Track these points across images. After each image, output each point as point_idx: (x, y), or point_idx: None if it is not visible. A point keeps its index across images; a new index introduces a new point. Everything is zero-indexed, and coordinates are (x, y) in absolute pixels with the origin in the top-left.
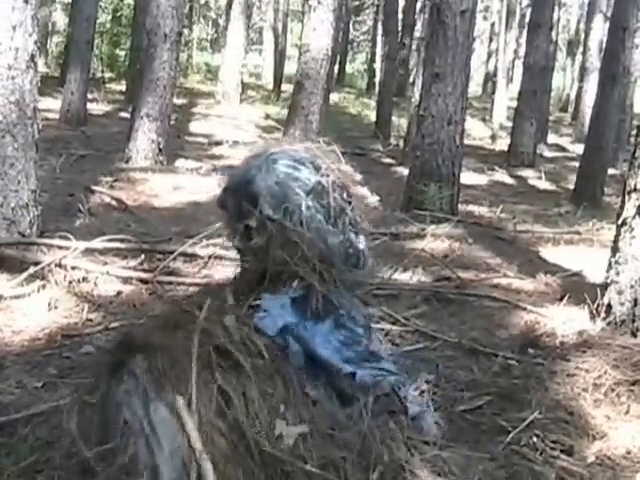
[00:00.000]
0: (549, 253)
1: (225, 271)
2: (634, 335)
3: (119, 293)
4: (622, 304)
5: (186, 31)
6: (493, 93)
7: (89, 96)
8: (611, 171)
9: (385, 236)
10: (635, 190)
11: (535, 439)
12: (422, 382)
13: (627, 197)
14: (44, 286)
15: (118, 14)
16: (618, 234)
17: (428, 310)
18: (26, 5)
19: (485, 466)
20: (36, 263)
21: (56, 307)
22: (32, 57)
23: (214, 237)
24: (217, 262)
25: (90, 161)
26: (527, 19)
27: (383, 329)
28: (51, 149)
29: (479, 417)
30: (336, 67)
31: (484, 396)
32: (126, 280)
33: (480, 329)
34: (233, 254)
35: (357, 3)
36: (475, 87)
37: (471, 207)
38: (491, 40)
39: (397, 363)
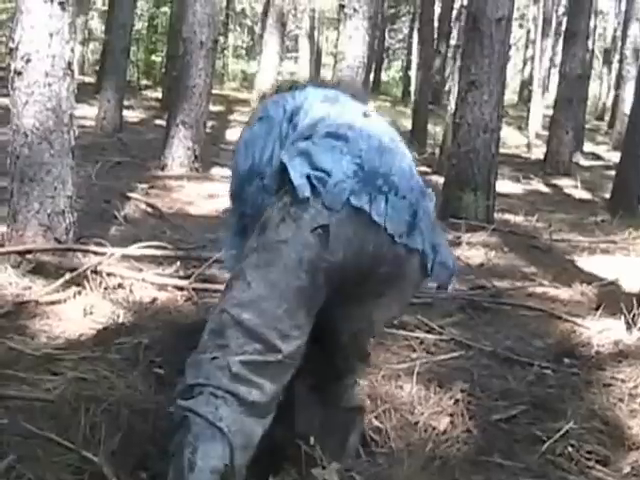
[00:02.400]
0: (585, 262)
1: None
2: None
3: (154, 300)
4: None
5: (222, 39)
6: (529, 101)
7: (125, 103)
8: None
9: None
10: None
11: (570, 449)
12: (457, 391)
13: None
14: (80, 292)
15: (154, 22)
16: None
17: (463, 319)
18: (63, 13)
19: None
20: (72, 269)
21: (92, 313)
22: (69, 64)
23: None
24: None
25: (126, 168)
26: (563, 27)
27: (418, 337)
28: (87, 156)
29: (514, 426)
30: (372, 75)
31: (519, 405)
32: (161, 287)
33: (515, 338)
34: None
35: (393, 11)
36: (511, 95)
37: (507, 216)
38: (527, 48)
39: None
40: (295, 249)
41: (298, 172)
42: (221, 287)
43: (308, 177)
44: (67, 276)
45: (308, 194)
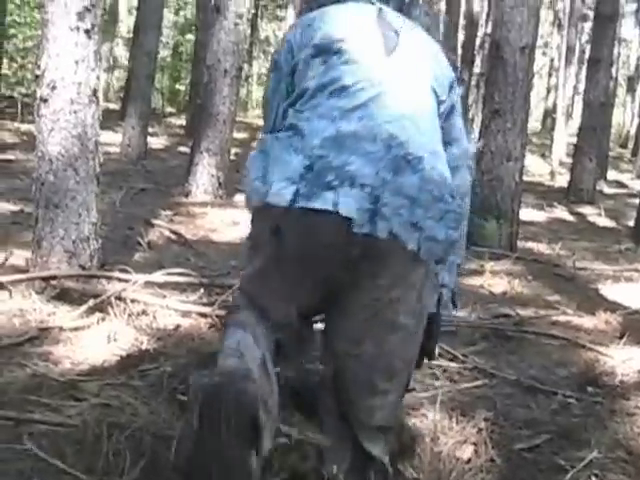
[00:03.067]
0: (609, 290)
1: None
2: None
3: (178, 327)
4: None
5: (246, 66)
6: (552, 129)
7: (149, 130)
8: None
9: None
10: None
11: (594, 479)
12: (480, 419)
13: None
14: (104, 318)
15: (179, 49)
16: None
17: (487, 347)
18: (89, 40)
19: None
20: (96, 296)
21: (115, 340)
22: (94, 91)
23: None
24: None
25: (150, 195)
26: (587, 55)
27: (441, 366)
28: (111, 182)
29: (537, 455)
30: None
31: (542, 434)
32: (185, 314)
33: (539, 367)
34: None
35: None
36: (534, 123)
37: (530, 244)
38: (550, 76)
39: None
40: (262, 249)
41: (252, 176)
42: None
43: (250, 186)
44: (91, 302)
45: (256, 204)
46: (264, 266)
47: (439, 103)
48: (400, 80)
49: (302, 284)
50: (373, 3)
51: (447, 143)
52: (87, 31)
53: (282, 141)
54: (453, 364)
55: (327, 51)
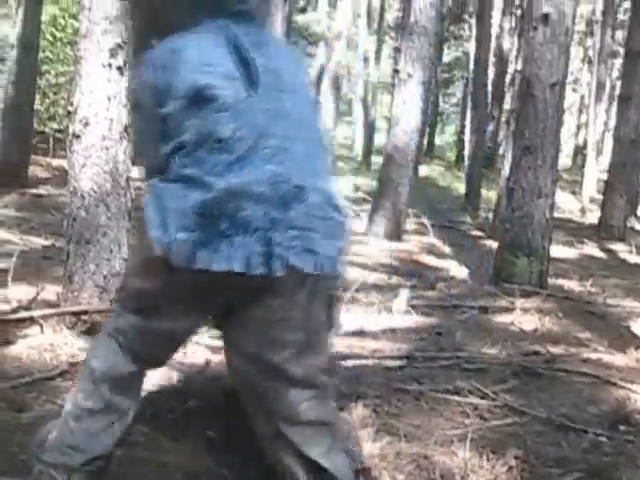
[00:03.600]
0: None
1: None
2: None
3: (208, 362)
4: None
5: None
6: (583, 166)
7: None
8: None
9: (474, 309)
10: None
11: None
12: (511, 458)
13: None
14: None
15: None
16: None
17: (517, 385)
18: (121, 77)
19: None
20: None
21: (145, 376)
22: (125, 128)
23: None
24: None
25: None
26: (617, 92)
27: (471, 403)
28: (142, 218)
29: None
30: (425, 139)
31: (574, 473)
32: (215, 349)
33: (570, 404)
34: None
35: (447, 76)
36: (565, 159)
37: (561, 281)
38: (581, 112)
39: None
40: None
41: (152, 223)
42: None
43: (153, 237)
44: None
45: (158, 253)
46: (155, 289)
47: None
48: (271, 112)
49: (194, 310)
50: (219, 24)
51: None
52: (119, 68)
53: (174, 191)
54: (483, 402)
55: (198, 101)
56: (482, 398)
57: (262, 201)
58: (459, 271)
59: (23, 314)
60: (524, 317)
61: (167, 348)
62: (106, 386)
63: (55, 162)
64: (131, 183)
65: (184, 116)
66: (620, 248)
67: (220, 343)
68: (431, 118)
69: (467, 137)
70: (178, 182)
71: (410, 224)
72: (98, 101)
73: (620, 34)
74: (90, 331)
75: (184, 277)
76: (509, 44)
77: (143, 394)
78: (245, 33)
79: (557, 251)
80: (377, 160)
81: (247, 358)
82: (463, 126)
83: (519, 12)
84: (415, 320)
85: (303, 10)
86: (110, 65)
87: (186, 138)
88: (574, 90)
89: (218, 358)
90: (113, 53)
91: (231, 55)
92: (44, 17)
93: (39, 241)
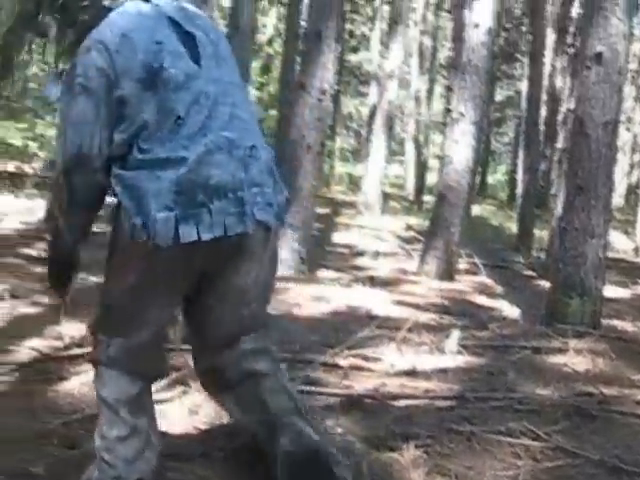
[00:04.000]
0: None
1: (366, 382)
2: None
3: None
4: None
5: (329, 141)
6: (636, 205)
7: None
8: None
9: (526, 350)
10: None
11: None
12: None
13: None
14: (185, 392)
15: (262, 124)
16: None
17: (569, 426)
18: None
19: None
20: (178, 369)
21: (197, 413)
22: None
23: (355, 347)
24: (358, 372)
25: None
26: None
27: (523, 445)
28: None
29: None
30: (477, 178)
31: None
32: None
33: (623, 446)
34: (374, 365)
35: (499, 115)
36: (618, 199)
37: (614, 321)
38: (634, 151)
39: None
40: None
41: (129, 213)
42: (326, 389)
43: (137, 224)
44: (173, 375)
45: (140, 238)
46: (136, 281)
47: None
48: (216, 82)
49: (178, 288)
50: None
51: None
52: None
53: (145, 175)
54: (535, 443)
55: (153, 84)
56: (534, 439)
57: (228, 164)
58: (511, 311)
59: (76, 351)
60: (577, 358)
61: (161, 349)
62: (125, 410)
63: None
64: None
65: (141, 97)
66: None
67: None
68: (483, 157)
69: (519, 176)
70: (146, 167)
71: (462, 263)
72: None
73: None
74: None
75: (165, 255)
76: (562, 83)
77: (193, 432)
78: (178, 8)
79: (610, 291)
80: (429, 199)
81: (221, 319)
82: (515, 165)
83: (572, 51)
84: (467, 360)
85: (355, 49)
86: None
87: (147, 118)
88: (627, 129)
89: None
90: None
91: (175, 33)
92: None
93: (91, 277)
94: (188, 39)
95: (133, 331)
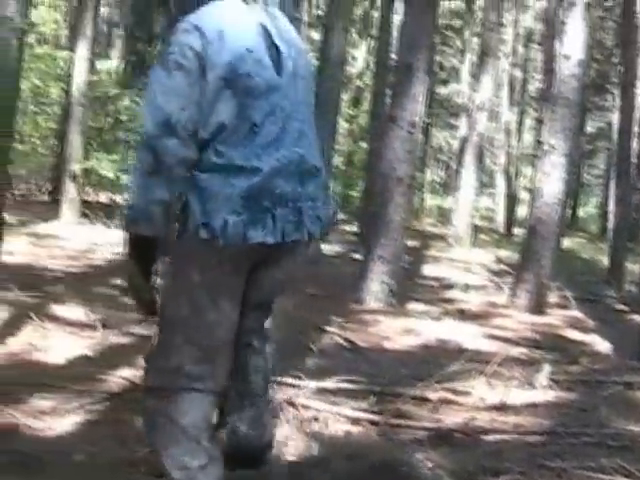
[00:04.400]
0: None
1: (455, 415)
2: None
3: (348, 434)
4: None
5: (419, 174)
6: None
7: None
8: None
9: (618, 385)
10: None
11: None
12: None
13: None
14: (275, 424)
15: (352, 157)
16: None
17: None
18: None
19: None
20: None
21: (286, 445)
22: None
23: (444, 381)
24: (447, 406)
25: (322, 301)
26: None
27: None
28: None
29: None
30: (568, 210)
31: None
32: (355, 421)
33: None
34: (464, 399)
35: (590, 147)
36: None
37: None
38: None
39: None
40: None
41: (195, 214)
42: (416, 423)
43: (205, 224)
44: None
45: (206, 236)
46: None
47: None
48: (291, 98)
49: (239, 287)
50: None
51: None
52: None
53: (218, 180)
54: None
55: (235, 86)
56: (627, 477)
57: (291, 178)
58: (603, 345)
59: None
60: None
61: (229, 350)
62: (205, 437)
63: None
64: None
65: (220, 94)
66: None
67: (361, 414)
68: (574, 189)
69: (611, 208)
70: (220, 171)
71: (552, 297)
72: None
73: None
74: None
75: (230, 254)
76: None
77: (284, 464)
78: (272, 17)
79: None
80: (519, 232)
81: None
82: (606, 197)
83: None
84: (558, 395)
85: (445, 82)
86: None
87: (225, 121)
88: None
89: (358, 430)
90: None
91: (264, 42)
92: None
93: None
94: (274, 51)
95: (199, 333)
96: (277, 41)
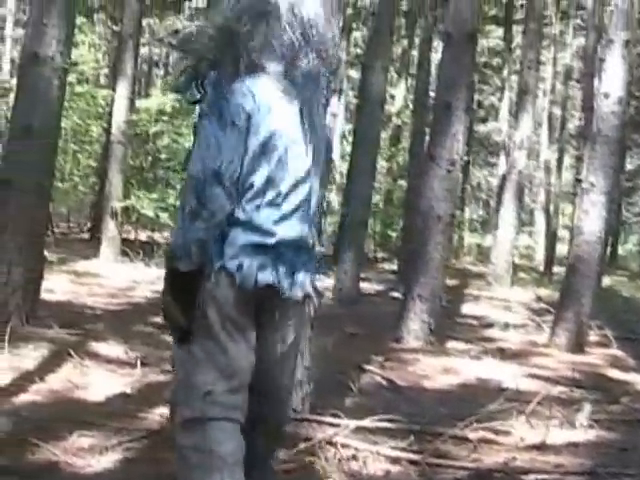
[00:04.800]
0: None
1: (495, 455)
2: None
3: (388, 473)
4: None
5: (458, 212)
6: None
7: (361, 275)
8: None
9: None
10: None
11: None
12: None
13: None
14: (314, 462)
15: (391, 195)
16: None
17: None
18: None
19: None
20: (307, 439)
21: None
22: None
23: (484, 420)
24: (487, 446)
25: (361, 339)
26: None
27: None
28: (324, 327)
29: None
30: (608, 249)
31: None
32: (395, 460)
33: None
34: (504, 438)
35: (630, 184)
36: None
37: None
38: None
39: None
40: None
41: (215, 257)
42: (456, 463)
43: (223, 267)
44: (302, 445)
45: (224, 278)
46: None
47: None
48: (312, 173)
49: (251, 328)
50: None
51: None
52: None
53: (237, 232)
54: None
55: (271, 156)
56: None
57: (290, 247)
58: None
59: None
60: None
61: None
62: (239, 469)
63: None
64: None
65: (256, 159)
66: None
67: (401, 454)
68: (614, 227)
69: None
70: (241, 226)
71: (593, 335)
72: None
73: None
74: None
75: (238, 295)
76: None
77: None
78: (308, 97)
79: None
80: (559, 270)
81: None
82: None
83: None
84: (598, 435)
85: (484, 120)
86: None
87: (256, 183)
88: None
89: (397, 469)
90: None
91: (299, 122)
92: None
93: None
94: (307, 134)
95: (229, 371)
96: (307, 122)
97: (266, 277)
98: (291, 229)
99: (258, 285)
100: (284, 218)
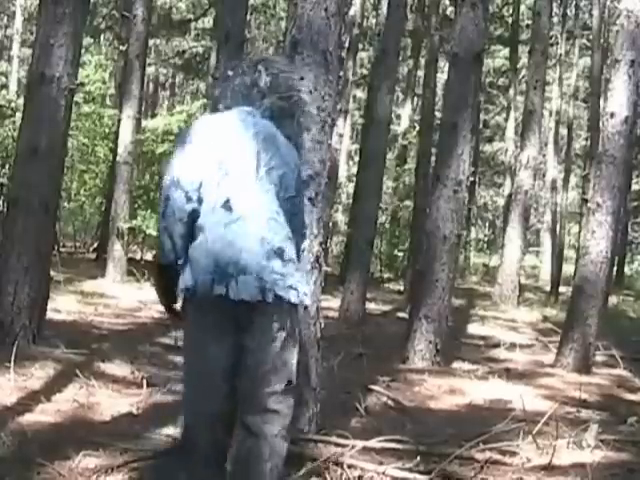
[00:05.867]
0: None
1: (502, 476)
2: None
3: None
4: None
5: (464, 232)
6: None
7: (368, 295)
8: None
9: None
10: None
11: None
12: None
13: None
14: None
15: (397, 215)
16: None
17: None
18: (313, 208)
19: None
20: (313, 459)
21: None
22: (317, 258)
23: (491, 441)
24: (494, 466)
25: (367, 360)
26: None
27: None
28: (330, 347)
29: None
30: (615, 269)
31: None
32: None
33: None
34: (510, 459)
35: (636, 204)
36: None
37: None
38: None
39: None
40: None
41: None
42: None
43: (187, 289)
44: (308, 466)
45: (187, 294)
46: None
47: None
48: (262, 192)
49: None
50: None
51: None
52: (311, 199)
53: (197, 250)
54: None
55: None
56: None
57: (254, 254)
58: None
59: None
60: None
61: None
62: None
63: None
64: (320, 313)
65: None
66: None
67: (407, 474)
68: (620, 247)
69: None
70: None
71: (600, 356)
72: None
73: None
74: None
75: (206, 306)
76: None
77: None
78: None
79: None
80: (565, 290)
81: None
82: None
83: None
84: (605, 455)
85: (490, 140)
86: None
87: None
88: None
89: None
90: (305, 184)
91: (250, 148)
92: None
93: None
94: (257, 158)
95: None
96: (261, 148)
97: (219, 289)
98: (247, 228)
99: (214, 295)
100: (235, 220)
